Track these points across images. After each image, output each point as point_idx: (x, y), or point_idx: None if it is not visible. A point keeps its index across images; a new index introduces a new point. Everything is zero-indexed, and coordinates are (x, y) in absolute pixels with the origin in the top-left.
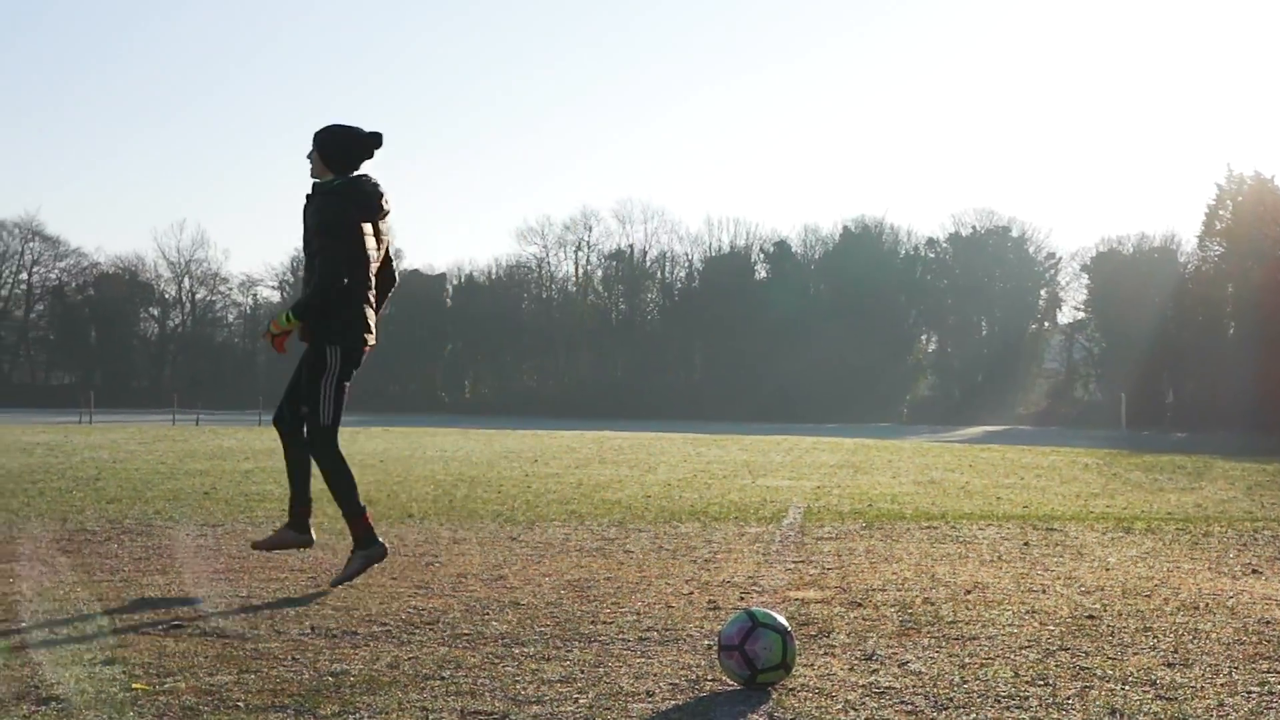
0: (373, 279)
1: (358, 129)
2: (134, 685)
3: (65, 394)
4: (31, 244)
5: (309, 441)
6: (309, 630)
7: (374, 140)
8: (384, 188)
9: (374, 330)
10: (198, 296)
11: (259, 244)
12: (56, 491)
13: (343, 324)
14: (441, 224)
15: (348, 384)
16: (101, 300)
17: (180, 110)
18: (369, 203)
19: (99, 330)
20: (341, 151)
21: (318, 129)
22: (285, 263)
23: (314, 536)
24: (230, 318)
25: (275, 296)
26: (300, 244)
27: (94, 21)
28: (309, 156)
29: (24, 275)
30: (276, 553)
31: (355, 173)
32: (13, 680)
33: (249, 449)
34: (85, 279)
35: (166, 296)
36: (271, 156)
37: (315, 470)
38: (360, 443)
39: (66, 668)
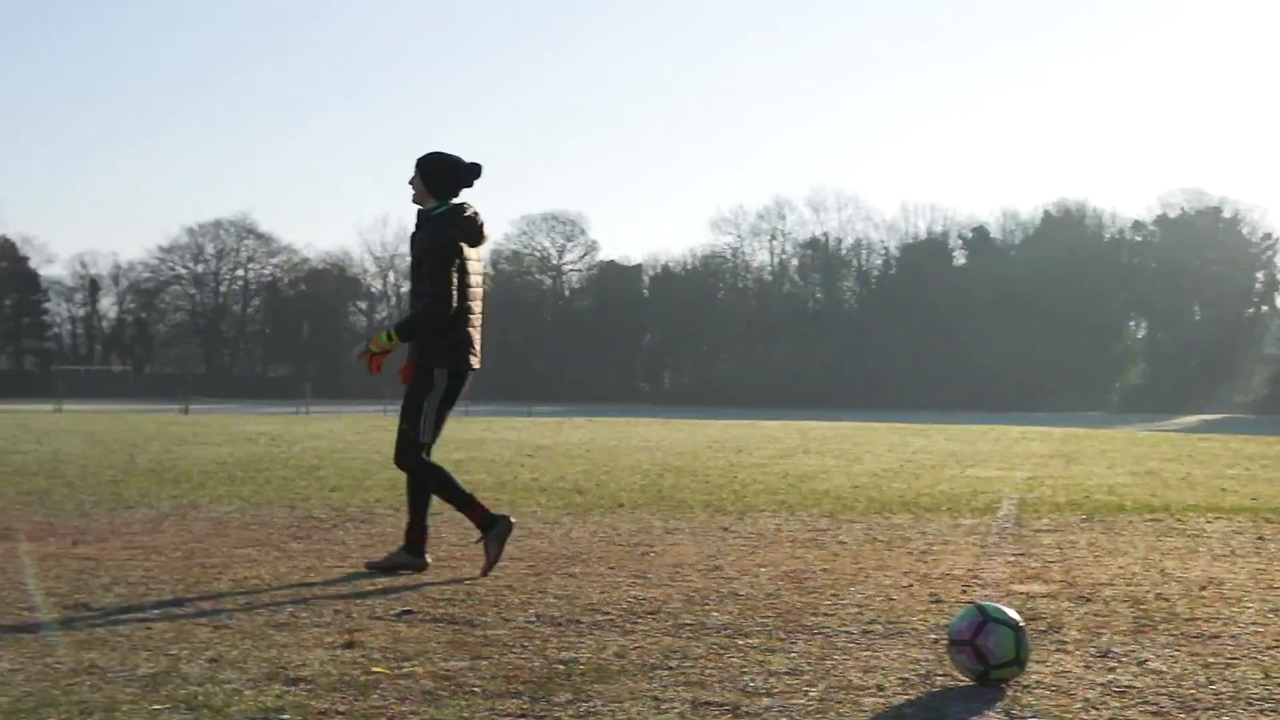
0: (478, 304)
1: (459, 158)
2: (374, 669)
3: (282, 385)
4: (246, 241)
5: (399, 454)
6: (534, 618)
7: (474, 171)
8: (482, 217)
9: (479, 354)
10: (403, 290)
11: None
12: (282, 480)
13: (449, 348)
14: (637, 215)
15: (448, 411)
16: (312, 295)
17: (380, 106)
18: (473, 230)
19: (311, 324)
20: (443, 178)
21: (421, 155)
22: (486, 257)
23: (428, 561)
24: None
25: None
26: (410, 268)
27: (291, 22)
28: (411, 181)
29: (240, 271)
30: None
31: (455, 200)
32: (262, 661)
33: (458, 439)
34: (296, 274)
35: (373, 290)
36: (474, 153)
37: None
38: (564, 433)
39: (310, 650)
